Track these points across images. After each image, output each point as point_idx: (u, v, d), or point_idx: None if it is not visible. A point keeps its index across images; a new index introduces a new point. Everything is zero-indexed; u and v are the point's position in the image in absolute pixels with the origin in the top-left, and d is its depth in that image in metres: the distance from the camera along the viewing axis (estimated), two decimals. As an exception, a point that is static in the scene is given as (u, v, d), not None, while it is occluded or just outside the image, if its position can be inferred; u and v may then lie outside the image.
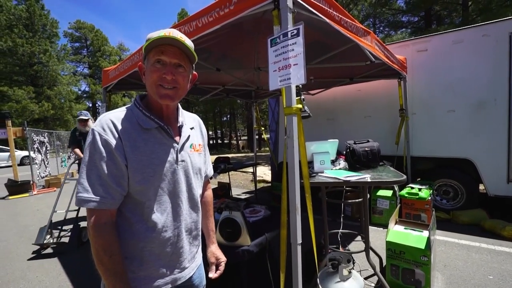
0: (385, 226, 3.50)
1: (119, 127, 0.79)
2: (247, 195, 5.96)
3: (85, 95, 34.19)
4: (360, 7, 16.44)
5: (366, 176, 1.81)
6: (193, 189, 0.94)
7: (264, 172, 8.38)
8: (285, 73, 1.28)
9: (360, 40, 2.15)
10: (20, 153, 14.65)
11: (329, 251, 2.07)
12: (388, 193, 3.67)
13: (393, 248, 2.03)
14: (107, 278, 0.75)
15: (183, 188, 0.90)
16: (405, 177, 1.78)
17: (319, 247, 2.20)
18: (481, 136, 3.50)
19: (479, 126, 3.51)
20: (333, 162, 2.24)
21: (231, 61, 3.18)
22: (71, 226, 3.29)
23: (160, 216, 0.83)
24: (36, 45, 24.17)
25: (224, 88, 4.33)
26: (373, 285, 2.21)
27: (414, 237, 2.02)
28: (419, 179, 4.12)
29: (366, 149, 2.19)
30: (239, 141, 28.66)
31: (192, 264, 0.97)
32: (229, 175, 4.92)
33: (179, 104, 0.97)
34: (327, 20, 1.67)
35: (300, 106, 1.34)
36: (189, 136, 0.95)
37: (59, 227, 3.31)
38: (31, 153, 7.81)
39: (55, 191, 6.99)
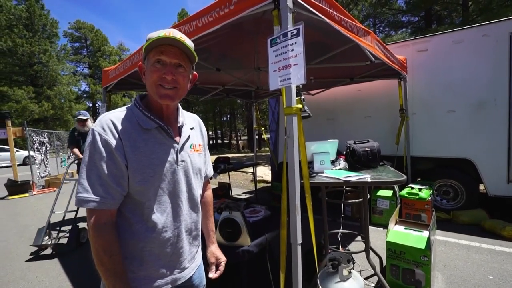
0: (385, 226, 3.50)
1: (119, 127, 0.78)
2: (247, 195, 5.96)
3: (85, 95, 34.21)
4: (360, 7, 16.45)
5: (366, 176, 1.80)
6: (193, 189, 0.94)
7: (264, 172, 8.38)
8: (285, 73, 1.28)
9: (360, 40, 2.15)
10: (22, 153, 14.66)
11: (329, 251, 2.07)
12: (388, 193, 3.67)
13: (393, 248, 2.03)
14: (107, 278, 0.75)
15: (183, 188, 0.90)
16: (405, 177, 1.78)
17: (319, 247, 2.20)
18: (481, 136, 3.50)
19: (479, 126, 3.51)
20: (333, 162, 2.24)
21: (231, 61, 3.18)
22: (69, 227, 3.26)
23: (160, 216, 0.83)
24: (36, 45, 24.17)
25: (224, 88, 4.33)
26: (373, 285, 2.21)
27: (414, 237, 2.02)
28: (419, 179, 4.12)
29: (366, 149, 2.19)
30: (239, 141, 28.66)
31: (192, 264, 0.97)
32: (229, 175, 4.92)
33: (179, 104, 0.97)
34: (327, 20, 1.66)
35: (300, 106, 1.34)
36: (189, 136, 0.95)
37: (58, 228, 3.29)
38: (31, 152, 7.80)
39: (55, 191, 6.98)
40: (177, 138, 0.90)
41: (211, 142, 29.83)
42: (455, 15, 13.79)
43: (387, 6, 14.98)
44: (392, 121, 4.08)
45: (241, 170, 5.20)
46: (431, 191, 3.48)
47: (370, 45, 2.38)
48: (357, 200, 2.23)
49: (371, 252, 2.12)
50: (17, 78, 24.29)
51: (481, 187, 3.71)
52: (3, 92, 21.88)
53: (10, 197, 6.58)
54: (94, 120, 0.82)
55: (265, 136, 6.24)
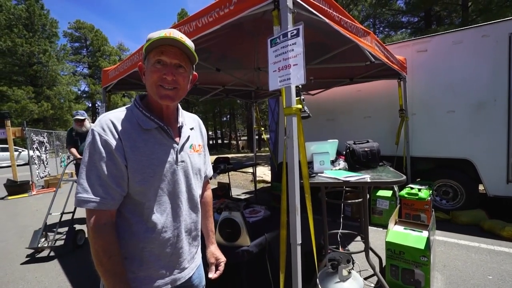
0: (384, 226, 3.50)
1: (119, 127, 0.78)
2: (247, 196, 5.96)
3: (84, 95, 34.18)
4: (360, 7, 16.46)
5: (365, 177, 1.81)
6: (193, 190, 0.94)
7: (264, 172, 8.38)
8: (285, 73, 1.28)
9: (360, 41, 2.15)
10: (26, 153, 14.56)
11: (329, 251, 2.07)
12: (388, 193, 3.68)
13: (392, 249, 2.03)
14: (106, 279, 0.74)
15: (182, 188, 0.90)
16: (404, 177, 1.79)
17: (319, 247, 2.20)
18: (480, 137, 3.51)
19: (479, 127, 3.51)
20: (332, 162, 2.24)
21: (231, 61, 3.18)
22: (66, 229, 3.19)
23: (160, 217, 0.83)
24: (35, 45, 24.15)
25: (224, 88, 4.33)
26: (372, 285, 2.21)
27: (413, 238, 2.03)
28: (418, 179, 4.12)
29: (366, 149, 2.19)
30: (239, 141, 28.66)
31: (192, 265, 0.97)
32: (229, 175, 4.91)
33: (179, 105, 0.97)
34: (327, 21, 1.67)
35: (300, 106, 1.34)
36: (189, 136, 0.95)
37: (54, 230, 3.21)
38: (30, 152, 7.79)
39: (54, 191, 6.96)
40: (177, 139, 0.90)
41: (211, 142, 29.82)
42: (455, 15, 13.81)
43: (387, 7, 14.99)
44: (392, 121, 4.09)
45: (241, 170, 5.20)
46: (431, 191, 3.48)
47: (369, 46, 2.39)
48: (356, 200, 2.24)
49: (370, 252, 2.12)
50: (16, 78, 24.27)
51: (481, 187, 3.71)
52: (3, 92, 21.86)
53: (9, 197, 6.58)
54: (94, 120, 0.81)
55: (265, 136, 6.24)
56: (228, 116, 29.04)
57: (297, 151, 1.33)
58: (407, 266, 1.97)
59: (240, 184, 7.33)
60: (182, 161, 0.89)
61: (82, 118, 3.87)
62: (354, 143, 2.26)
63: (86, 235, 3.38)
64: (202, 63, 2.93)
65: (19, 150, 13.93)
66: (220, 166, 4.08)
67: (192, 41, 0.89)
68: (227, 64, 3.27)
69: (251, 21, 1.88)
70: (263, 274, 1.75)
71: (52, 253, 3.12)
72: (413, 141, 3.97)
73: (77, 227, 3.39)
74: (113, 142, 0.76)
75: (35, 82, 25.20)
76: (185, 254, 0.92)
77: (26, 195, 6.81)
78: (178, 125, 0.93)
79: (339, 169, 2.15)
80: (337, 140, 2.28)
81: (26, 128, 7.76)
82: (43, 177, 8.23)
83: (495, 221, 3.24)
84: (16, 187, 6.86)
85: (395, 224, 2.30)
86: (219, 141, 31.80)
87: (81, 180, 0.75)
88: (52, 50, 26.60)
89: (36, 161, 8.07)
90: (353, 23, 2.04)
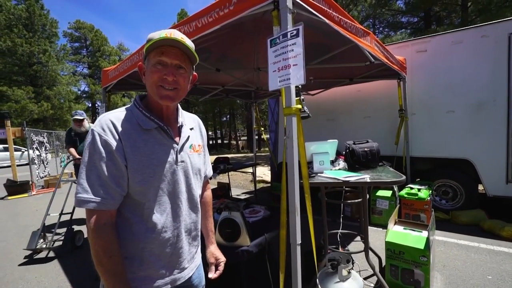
0: (384, 226, 3.51)
1: (119, 127, 0.79)
2: (247, 196, 5.96)
3: (84, 95, 34.15)
4: (360, 7, 16.48)
5: (365, 177, 1.81)
6: (193, 190, 0.94)
7: (264, 173, 8.38)
8: (284, 74, 1.29)
9: (359, 41, 2.16)
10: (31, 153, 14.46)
11: (329, 251, 2.07)
12: (388, 193, 3.68)
13: (392, 248, 2.03)
14: (106, 279, 0.74)
15: (182, 188, 0.90)
16: (404, 177, 1.79)
17: (319, 247, 2.20)
18: (480, 137, 3.51)
19: (478, 127, 3.52)
20: (332, 162, 2.24)
21: (231, 61, 3.18)
22: (65, 229, 3.16)
23: (160, 217, 0.83)
24: (35, 45, 24.13)
25: (223, 88, 4.33)
26: (372, 285, 2.21)
27: (413, 238, 2.03)
28: (418, 179, 4.13)
29: (366, 149, 2.19)
30: (239, 142, 28.65)
31: (192, 265, 0.97)
32: (228, 175, 4.92)
33: (178, 105, 0.97)
34: (327, 21, 1.67)
35: (299, 106, 1.34)
36: (188, 136, 0.95)
37: (53, 230, 3.16)
38: (31, 152, 7.79)
39: (56, 191, 6.96)
40: (176, 139, 0.90)
41: (210, 142, 29.82)
42: (454, 15, 13.82)
43: (386, 7, 15.00)
44: (391, 121, 4.09)
45: (240, 170, 5.20)
46: (430, 191, 3.48)
47: (369, 46, 2.39)
48: (356, 200, 2.24)
49: (370, 252, 2.12)
50: (16, 78, 24.24)
51: (480, 187, 3.71)
52: (3, 92, 21.84)
53: (9, 197, 6.57)
54: (94, 121, 0.81)
55: (264, 136, 6.25)
56: (228, 116, 29.04)
57: (297, 151, 1.33)
58: (407, 266, 1.97)
59: (240, 184, 7.34)
60: (182, 161, 0.89)
61: (81, 118, 3.85)
62: (354, 143, 2.26)
63: (85, 236, 3.38)
64: (202, 63, 2.94)
65: (22, 150, 13.90)
66: (220, 166, 4.08)
67: (192, 41, 0.89)
68: (227, 64, 3.27)
69: (251, 21, 1.88)
70: (263, 274, 1.76)
71: (50, 254, 3.10)
72: (413, 141, 3.97)
73: (76, 228, 3.37)
74: (113, 142, 0.76)
75: (35, 82, 25.18)
76: (185, 254, 0.93)
77: (26, 195, 6.81)
78: (178, 125, 0.93)
79: (339, 169, 2.15)
80: (336, 140, 2.28)
81: (26, 128, 7.76)
82: (43, 177, 8.23)
83: (494, 221, 3.25)
84: (16, 187, 6.86)
85: (394, 224, 2.30)
86: (219, 141, 31.80)
87: (81, 180, 0.75)
88: (52, 50, 26.57)
89: (36, 161, 8.07)
90: (352, 23, 2.04)
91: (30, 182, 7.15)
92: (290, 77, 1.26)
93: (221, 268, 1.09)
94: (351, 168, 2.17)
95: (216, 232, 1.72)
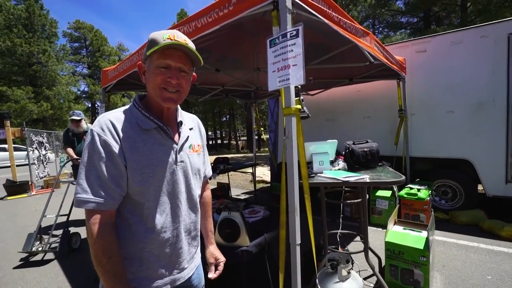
0: (384, 226, 3.51)
1: (118, 127, 0.78)
2: (247, 196, 5.96)
3: (84, 95, 34.11)
4: (360, 8, 16.50)
5: (365, 177, 1.81)
6: (192, 190, 0.94)
7: (264, 173, 8.39)
8: (284, 74, 1.29)
9: (359, 41, 2.16)
10: (31, 152, 14.36)
11: (328, 251, 2.08)
12: (387, 193, 3.68)
13: (392, 249, 2.03)
14: (106, 279, 0.74)
15: (182, 188, 0.90)
16: (403, 177, 1.79)
17: (318, 247, 2.21)
18: (479, 137, 3.51)
19: (478, 127, 3.52)
20: (332, 162, 2.24)
21: (230, 61, 3.18)
22: (61, 231, 3.10)
23: (159, 217, 0.83)
24: (35, 45, 24.10)
25: (223, 88, 4.33)
26: (372, 285, 2.21)
27: (413, 238, 2.03)
28: (418, 179, 4.13)
29: (365, 149, 2.19)
30: (239, 142, 28.65)
31: (191, 265, 0.97)
32: (228, 175, 4.92)
33: (178, 105, 0.97)
34: (326, 21, 1.67)
35: (299, 106, 1.34)
36: (188, 136, 0.95)
37: (49, 232, 3.11)
38: (30, 152, 7.78)
39: (54, 191, 6.94)
40: (176, 139, 0.90)
41: (210, 142, 29.82)
42: (454, 16, 13.85)
43: (386, 7, 15.02)
44: (391, 121, 4.09)
45: (240, 170, 5.20)
46: (430, 191, 3.49)
47: (369, 46, 2.39)
48: (356, 201, 2.24)
49: (370, 252, 2.13)
50: (16, 78, 24.20)
51: (480, 187, 3.72)
52: (2, 92, 21.81)
53: (8, 198, 6.56)
54: (93, 121, 0.81)
55: (264, 136, 6.25)
56: (227, 116, 29.03)
57: (296, 151, 1.33)
58: (406, 266, 1.97)
59: (239, 184, 7.33)
60: (181, 161, 0.89)
61: (78, 118, 3.80)
62: (354, 143, 2.26)
63: (82, 237, 3.36)
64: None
65: (28, 150, 13.85)
66: (219, 166, 4.08)
67: (192, 41, 0.89)
68: (226, 64, 3.27)
69: (251, 21, 1.88)
70: (262, 274, 1.76)
71: (46, 257, 3.06)
72: (412, 141, 3.98)
73: (72, 230, 3.31)
74: (112, 142, 0.76)
75: (35, 82, 25.14)
76: (185, 254, 0.93)
77: (26, 195, 6.80)
78: (177, 126, 0.93)
79: (338, 169, 2.16)
80: (336, 140, 2.28)
81: (26, 128, 7.76)
82: (42, 177, 8.22)
83: (494, 221, 3.25)
84: (15, 187, 6.85)
85: (394, 224, 2.30)
86: (219, 141, 31.79)
87: (80, 180, 0.75)
88: (52, 50, 26.53)
89: (36, 161, 8.06)
90: (352, 23, 2.04)
91: (30, 183, 7.14)
92: (290, 77, 1.26)
93: (220, 268, 1.09)
94: (351, 168, 2.17)
95: (216, 232, 1.72)
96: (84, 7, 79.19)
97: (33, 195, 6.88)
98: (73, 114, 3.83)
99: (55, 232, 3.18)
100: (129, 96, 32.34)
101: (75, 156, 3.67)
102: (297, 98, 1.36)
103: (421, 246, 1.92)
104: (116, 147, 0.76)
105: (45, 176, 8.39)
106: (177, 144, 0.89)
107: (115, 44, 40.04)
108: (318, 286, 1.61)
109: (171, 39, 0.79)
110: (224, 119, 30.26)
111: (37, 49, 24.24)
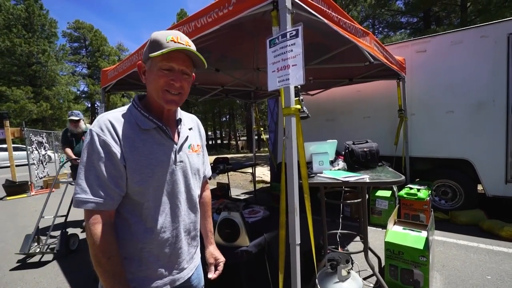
0: (384, 226, 3.50)
1: (118, 127, 0.78)
2: (246, 196, 5.96)
3: (83, 95, 34.07)
4: (360, 8, 16.50)
5: (364, 177, 1.81)
6: (192, 190, 0.94)
7: (263, 173, 8.38)
8: (283, 74, 1.29)
9: (359, 41, 2.16)
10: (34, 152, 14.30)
11: (328, 251, 2.07)
12: (387, 193, 3.68)
13: (391, 249, 2.03)
14: (105, 279, 0.74)
15: (181, 188, 0.90)
16: (403, 177, 1.79)
17: (318, 247, 2.20)
18: (479, 137, 3.52)
19: (478, 127, 3.52)
20: (332, 162, 2.24)
21: (230, 61, 3.18)
22: (59, 232, 3.07)
23: (159, 217, 0.83)
24: (34, 45, 24.07)
25: (223, 88, 4.33)
26: (371, 285, 2.21)
27: (412, 238, 2.03)
28: (417, 179, 4.13)
29: (365, 149, 2.19)
30: (238, 142, 28.64)
31: (191, 265, 0.97)
32: (228, 175, 4.92)
33: (177, 105, 0.97)
34: (326, 21, 1.67)
35: (298, 106, 1.34)
36: (187, 136, 0.95)
37: (47, 233, 3.08)
38: (30, 153, 7.78)
39: (53, 191, 6.94)
40: (175, 139, 0.90)
41: (210, 142, 29.80)
42: (454, 16, 13.85)
43: (386, 7, 15.02)
44: (391, 121, 4.09)
45: (240, 170, 5.20)
46: (430, 191, 3.49)
47: (368, 46, 2.39)
48: (356, 201, 2.24)
49: (369, 253, 2.13)
50: (15, 78, 24.17)
51: (480, 187, 3.72)
52: (2, 92, 21.78)
53: (8, 198, 6.56)
54: (93, 121, 0.81)
55: (264, 136, 6.25)
56: (227, 116, 29.01)
57: (296, 151, 1.33)
58: (406, 266, 1.97)
59: (239, 185, 7.33)
60: (181, 161, 0.89)
61: (77, 119, 3.77)
62: (353, 143, 2.26)
63: (80, 238, 3.35)
64: (202, 63, 2.93)
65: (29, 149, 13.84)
66: (219, 167, 4.08)
67: (192, 41, 0.90)
68: (226, 64, 3.27)
69: (251, 21, 1.87)
70: (262, 275, 1.76)
71: (45, 257, 3.05)
72: (412, 141, 3.98)
73: (70, 231, 3.29)
74: (111, 142, 0.76)
75: (34, 82, 25.12)
76: (184, 255, 0.92)
77: (25, 195, 6.80)
78: (177, 125, 0.93)
79: (338, 169, 2.15)
80: (336, 140, 2.28)
81: (25, 128, 7.75)
82: (42, 178, 8.21)
83: (494, 221, 3.25)
84: (15, 188, 6.84)
85: (394, 224, 2.30)
86: (219, 141, 31.78)
87: (80, 180, 0.75)
88: (51, 50, 26.50)
89: (36, 162, 8.05)
90: (352, 23, 2.04)
91: (29, 183, 7.13)
92: (289, 77, 1.26)
93: (220, 268, 1.09)
94: (351, 168, 2.17)
95: (216, 233, 1.72)
96: (84, 7, 79.19)
97: (33, 195, 6.87)
98: (72, 114, 3.81)
99: (53, 233, 3.16)
100: (129, 96, 32.31)
101: (73, 156, 3.65)
102: (297, 98, 1.36)
103: (420, 246, 1.92)
104: (115, 147, 0.76)
105: (44, 176, 8.39)
106: (176, 144, 0.89)
107: (114, 44, 40.05)
108: (318, 286, 1.61)
109: (175, 41, 0.79)
110: (224, 119, 30.26)
111: (37, 49, 24.22)
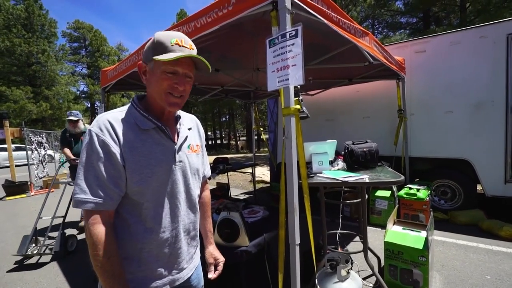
0: (383, 226, 3.49)
1: (117, 127, 0.78)
2: (246, 196, 5.96)
3: (83, 95, 34.03)
4: (359, 8, 16.50)
5: (364, 177, 1.81)
6: (191, 190, 0.94)
7: (263, 173, 8.38)
8: (283, 74, 1.29)
9: (358, 41, 2.16)
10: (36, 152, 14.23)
11: (328, 251, 2.08)
12: (387, 193, 3.68)
13: (391, 249, 2.04)
14: (105, 279, 0.74)
15: (181, 188, 0.90)
16: (403, 177, 1.79)
17: (318, 247, 2.20)
18: (478, 137, 3.52)
19: (477, 127, 3.53)
20: (331, 162, 2.25)
21: (230, 61, 3.18)
22: (57, 233, 3.03)
23: (158, 217, 0.83)
24: (34, 45, 24.06)
25: (223, 88, 4.33)
26: (371, 285, 2.21)
27: (412, 238, 2.03)
28: (417, 179, 4.13)
29: (365, 149, 2.20)
30: (238, 142, 28.64)
31: (190, 265, 0.97)
32: (228, 175, 4.92)
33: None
34: (326, 21, 1.67)
35: (298, 106, 1.34)
36: (186, 136, 0.95)
37: (45, 234, 3.05)
38: (30, 152, 7.77)
39: (53, 191, 6.93)
40: (175, 139, 0.90)
41: (210, 142, 29.78)
42: (453, 16, 13.87)
43: (385, 8, 15.04)
44: (390, 121, 4.10)
45: (240, 170, 5.20)
46: (429, 191, 3.49)
47: (368, 46, 2.39)
48: (355, 201, 2.24)
49: (369, 252, 2.13)
50: (15, 78, 24.15)
51: (479, 187, 3.72)
52: (1, 92, 21.76)
53: (7, 198, 6.55)
54: (92, 121, 0.81)
55: (264, 136, 6.25)
56: (227, 117, 28.99)
57: (296, 151, 1.33)
58: (406, 266, 1.97)
59: (239, 185, 7.33)
60: (180, 161, 0.89)
61: (76, 119, 3.75)
62: (353, 143, 2.27)
63: (79, 238, 3.34)
64: (201, 64, 2.93)
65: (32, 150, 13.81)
66: (219, 167, 4.08)
67: (192, 41, 0.90)
68: (226, 65, 3.27)
69: (251, 21, 1.88)
70: (262, 275, 1.76)
71: (44, 258, 3.04)
72: (412, 141, 3.98)
73: (69, 231, 3.27)
74: (110, 143, 0.76)
75: (34, 82, 25.10)
76: (184, 255, 0.92)
77: (25, 195, 6.79)
78: (176, 126, 0.93)
79: (338, 169, 2.16)
80: (335, 140, 2.28)
81: (25, 129, 7.74)
82: (41, 178, 8.21)
83: (493, 221, 3.26)
84: (14, 188, 6.83)
85: (393, 224, 2.30)
86: (218, 141, 31.77)
87: (79, 180, 0.75)
88: (51, 50, 26.48)
89: (35, 162, 8.04)
90: (351, 24, 2.04)
91: (29, 183, 7.13)
92: (289, 77, 1.26)
93: (220, 268, 1.09)
94: (350, 168, 2.17)
95: (215, 233, 1.72)
96: (83, 7, 79.17)
97: (32, 195, 6.87)
98: (70, 114, 3.78)
99: (51, 234, 3.13)
100: (129, 96, 32.28)
101: (72, 157, 3.63)
102: (297, 98, 1.36)
103: (420, 246, 1.92)
104: (114, 147, 0.76)
105: (44, 177, 8.38)
106: (175, 144, 0.89)
107: (114, 44, 40.02)
108: (318, 286, 1.62)
109: (180, 45, 0.80)
110: (224, 119, 30.24)
111: (36, 49, 24.21)
